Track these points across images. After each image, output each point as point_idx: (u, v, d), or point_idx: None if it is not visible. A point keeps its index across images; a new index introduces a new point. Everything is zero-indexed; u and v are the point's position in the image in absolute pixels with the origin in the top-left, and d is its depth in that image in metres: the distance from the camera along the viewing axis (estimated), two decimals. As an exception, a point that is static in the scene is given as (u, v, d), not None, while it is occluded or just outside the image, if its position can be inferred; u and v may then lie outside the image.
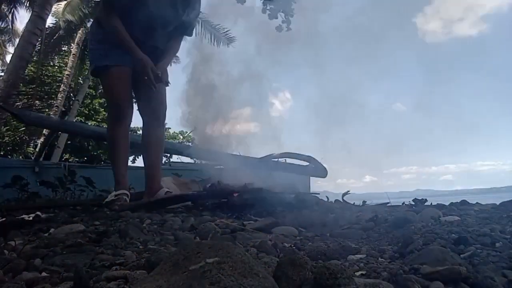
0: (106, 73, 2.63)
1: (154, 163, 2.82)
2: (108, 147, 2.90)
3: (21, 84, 9.44)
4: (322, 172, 4.94)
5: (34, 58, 11.72)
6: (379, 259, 1.15)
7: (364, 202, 2.98)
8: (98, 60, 2.64)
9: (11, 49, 15.12)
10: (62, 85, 13.47)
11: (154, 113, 2.80)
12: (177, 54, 3.00)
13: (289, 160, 5.23)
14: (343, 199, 2.96)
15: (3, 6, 13.46)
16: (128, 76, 2.63)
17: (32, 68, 12.96)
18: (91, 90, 16.34)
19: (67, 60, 14.86)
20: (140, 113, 2.86)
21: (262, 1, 6.47)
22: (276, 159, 4.92)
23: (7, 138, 15.00)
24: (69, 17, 12.51)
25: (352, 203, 2.88)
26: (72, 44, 14.38)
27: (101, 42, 2.66)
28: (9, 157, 14.12)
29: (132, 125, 2.91)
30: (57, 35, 13.63)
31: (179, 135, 22.07)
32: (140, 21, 2.54)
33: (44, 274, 1.00)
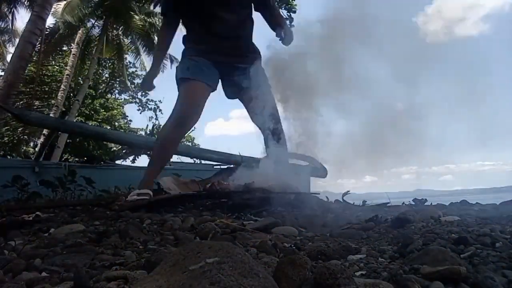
0: (185, 84, 2.83)
1: None
2: (157, 145, 2.96)
3: (21, 84, 9.44)
4: (322, 172, 4.94)
5: (34, 58, 11.71)
6: (379, 259, 1.15)
7: (364, 202, 2.97)
8: (182, 71, 2.88)
9: (11, 49, 15.13)
10: (62, 85, 13.48)
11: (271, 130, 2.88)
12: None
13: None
14: (343, 199, 2.96)
15: (3, 6, 13.46)
16: (205, 92, 2.83)
17: (32, 68, 12.96)
18: (91, 90, 16.35)
19: (67, 60, 14.88)
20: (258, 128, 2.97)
21: None
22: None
23: (6, 138, 15.03)
24: (68, 18, 12.51)
25: (352, 203, 2.88)
26: (72, 44, 14.41)
27: (185, 57, 2.93)
28: (9, 157, 14.12)
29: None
30: (57, 35, 13.63)
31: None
32: (212, 14, 2.76)
33: (44, 274, 1.00)
